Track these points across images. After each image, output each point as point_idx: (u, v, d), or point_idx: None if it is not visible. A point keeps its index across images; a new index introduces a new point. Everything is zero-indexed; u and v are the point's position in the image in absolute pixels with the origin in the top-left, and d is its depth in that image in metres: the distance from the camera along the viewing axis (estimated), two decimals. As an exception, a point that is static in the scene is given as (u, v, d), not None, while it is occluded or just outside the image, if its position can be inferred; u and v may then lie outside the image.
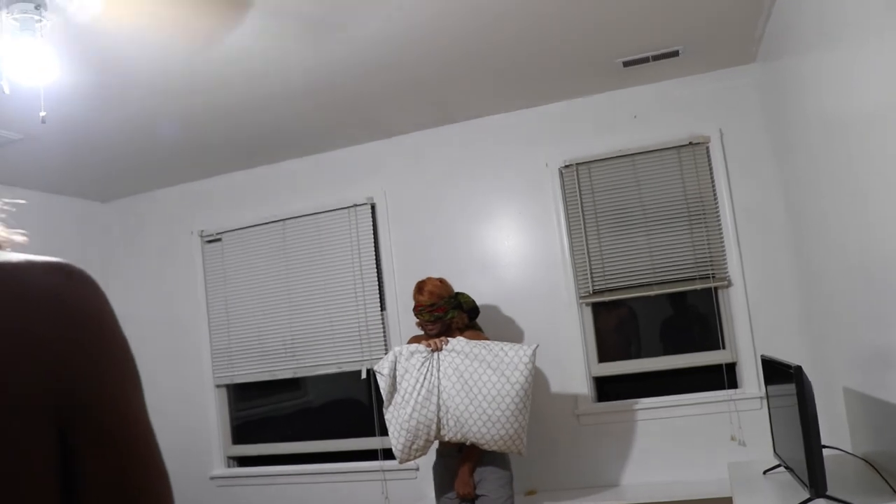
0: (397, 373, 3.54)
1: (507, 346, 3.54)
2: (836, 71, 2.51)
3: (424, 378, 3.49)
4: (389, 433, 3.54)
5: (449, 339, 3.60)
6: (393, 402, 3.53)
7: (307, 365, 4.77)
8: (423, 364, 3.52)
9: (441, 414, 3.45)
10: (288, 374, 4.80)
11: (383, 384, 3.55)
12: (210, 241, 5.08)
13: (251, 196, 5.02)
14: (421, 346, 3.58)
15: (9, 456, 0.66)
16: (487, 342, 3.58)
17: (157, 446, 0.78)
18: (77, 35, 2.80)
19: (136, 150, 4.35)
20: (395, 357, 3.57)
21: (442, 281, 3.78)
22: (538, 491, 4.20)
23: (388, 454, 4.60)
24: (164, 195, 5.24)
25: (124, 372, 0.76)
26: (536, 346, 3.55)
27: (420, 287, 3.74)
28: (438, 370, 3.51)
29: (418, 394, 3.46)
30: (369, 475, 4.60)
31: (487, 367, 3.45)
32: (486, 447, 3.45)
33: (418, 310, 3.70)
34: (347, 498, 4.61)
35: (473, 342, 3.57)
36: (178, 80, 3.42)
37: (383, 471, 4.54)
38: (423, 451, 3.53)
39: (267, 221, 4.94)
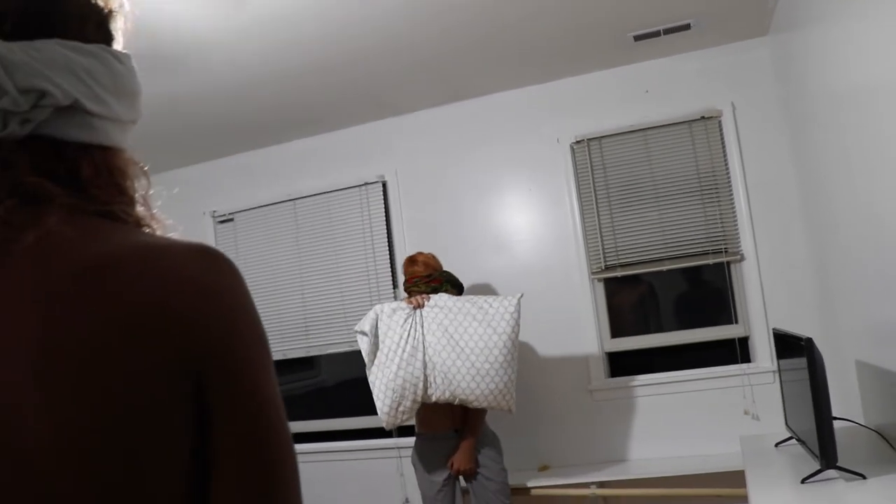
0: (379, 331, 3.46)
1: (490, 298, 3.51)
2: (850, 42, 2.49)
3: (408, 334, 3.40)
4: (374, 395, 3.42)
5: (431, 295, 3.55)
6: (376, 362, 3.44)
7: (320, 344, 4.80)
8: (405, 321, 3.43)
9: (428, 371, 3.35)
10: (300, 353, 4.84)
11: (365, 345, 3.46)
12: (222, 222, 5.10)
13: (263, 176, 5.03)
14: (403, 304, 3.53)
15: (151, 419, 0.70)
16: (470, 296, 3.55)
17: (285, 421, 0.81)
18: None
19: (146, 130, 4.36)
20: (377, 315, 3.50)
21: (433, 255, 3.78)
22: (551, 466, 4.23)
23: (402, 431, 4.64)
24: (175, 176, 5.26)
25: (256, 349, 0.79)
26: (521, 296, 3.52)
27: (412, 259, 3.72)
28: (422, 326, 3.43)
29: (403, 350, 3.37)
30: (384, 452, 4.63)
31: (473, 320, 3.40)
32: (475, 404, 3.37)
33: (413, 281, 3.65)
34: (363, 475, 4.66)
35: (456, 297, 3.54)
36: (190, 58, 3.42)
37: (398, 447, 4.58)
38: (411, 413, 3.42)
39: (279, 201, 4.95)
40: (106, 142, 0.82)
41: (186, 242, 0.78)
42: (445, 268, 3.83)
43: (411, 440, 4.52)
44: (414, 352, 3.37)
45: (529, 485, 3.95)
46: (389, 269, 4.65)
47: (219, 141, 4.80)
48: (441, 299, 3.52)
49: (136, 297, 0.71)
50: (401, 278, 4.57)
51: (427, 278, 3.64)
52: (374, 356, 3.46)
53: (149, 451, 0.70)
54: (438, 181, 4.61)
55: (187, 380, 0.73)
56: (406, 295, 3.69)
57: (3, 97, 0.73)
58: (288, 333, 4.87)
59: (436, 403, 3.47)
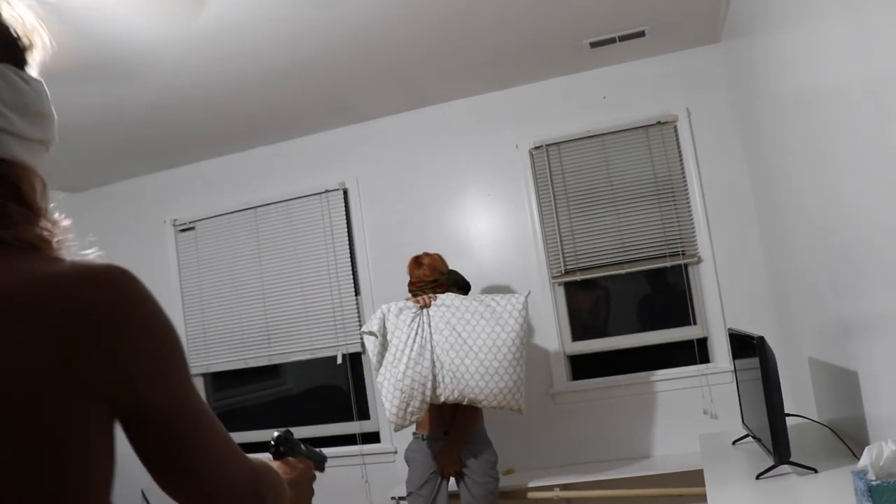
0: (387, 330, 3.42)
1: (497, 296, 3.50)
2: (798, 48, 2.56)
3: (416, 334, 3.37)
4: (382, 397, 3.39)
5: (437, 294, 3.54)
6: (384, 363, 3.40)
7: (282, 352, 4.78)
8: (412, 320, 3.41)
9: (436, 371, 3.33)
10: (263, 362, 4.81)
11: (371, 345, 3.43)
12: (183, 230, 5.06)
13: (224, 184, 5.00)
14: (409, 303, 3.51)
15: (69, 441, 0.75)
16: (477, 295, 3.55)
17: (213, 427, 0.88)
18: (44, 15, 2.77)
19: (105, 138, 4.32)
20: (384, 315, 3.46)
21: (439, 255, 3.73)
22: (516, 470, 4.25)
23: (366, 438, 4.63)
24: (135, 184, 5.21)
25: (164, 366, 0.83)
26: (528, 293, 3.54)
27: (418, 262, 3.66)
28: (430, 325, 3.41)
29: (411, 350, 3.34)
30: (349, 460, 4.62)
31: (481, 318, 3.39)
32: (484, 403, 3.36)
33: (418, 286, 3.60)
34: (328, 483, 4.61)
35: (462, 296, 3.53)
36: (147, 66, 3.40)
37: (362, 455, 4.57)
38: (419, 414, 3.38)
39: (240, 209, 4.93)
40: (5, 155, 0.82)
41: (78, 267, 0.79)
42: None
43: (375, 447, 4.56)
44: (422, 351, 3.35)
45: (494, 489, 3.98)
46: (351, 276, 4.65)
47: (178, 149, 4.77)
48: (448, 298, 3.51)
49: (27, 338, 0.72)
50: (363, 285, 4.59)
51: (433, 283, 3.59)
52: (382, 357, 3.41)
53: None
54: (399, 187, 4.63)
55: (104, 404, 0.77)
56: (410, 295, 3.65)
57: None
58: (250, 342, 4.84)
59: (431, 405, 3.47)
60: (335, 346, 4.64)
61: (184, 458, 0.84)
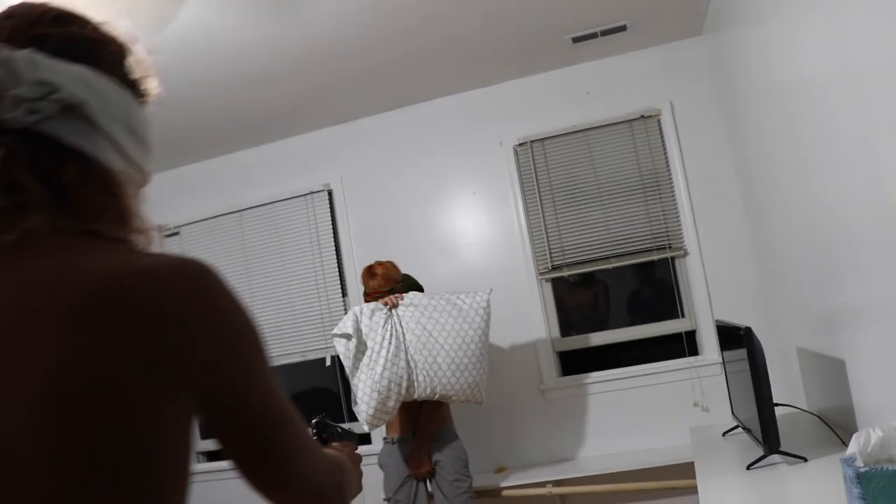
0: (361, 332, 3.47)
1: (462, 294, 3.61)
2: (778, 40, 2.56)
3: (391, 335, 3.44)
4: (357, 398, 3.44)
5: (403, 294, 3.60)
6: (359, 366, 3.44)
7: (271, 356, 4.73)
8: (386, 321, 3.48)
9: (411, 370, 3.42)
10: (253, 365, 4.77)
11: (343, 348, 3.46)
12: (168, 236, 5.02)
13: (208, 188, 4.97)
14: (379, 304, 3.55)
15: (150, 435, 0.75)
16: (441, 293, 3.61)
17: (298, 424, 0.89)
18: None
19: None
20: (357, 316, 3.50)
21: (391, 263, 3.77)
22: (508, 467, 4.24)
23: (359, 440, 4.61)
24: (118, 191, 5.16)
25: (249, 359, 0.85)
26: (490, 291, 3.63)
27: (371, 272, 3.69)
28: (402, 325, 3.49)
29: (387, 351, 3.41)
30: (340, 461, 4.59)
31: (448, 316, 3.50)
32: (454, 398, 3.48)
33: (374, 296, 3.65)
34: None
35: (428, 295, 3.61)
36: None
37: (354, 456, 4.54)
38: (392, 413, 3.46)
39: (225, 213, 4.89)
40: (105, 160, 0.87)
41: (163, 260, 0.81)
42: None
43: (365, 448, 4.52)
44: (397, 352, 3.42)
45: (487, 486, 3.96)
46: (338, 278, 4.63)
47: (160, 154, 4.66)
48: (415, 298, 3.58)
49: (112, 329, 0.74)
50: (350, 286, 4.57)
51: (388, 292, 3.64)
52: (358, 359, 3.45)
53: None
54: (384, 187, 4.61)
55: (188, 396, 0.78)
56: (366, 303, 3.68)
57: (20, 86, 0.80)
58: (238, 346, 4.80)
59: (400, 407, 3.53)
60: (324, 349, 4.61)
61: (272, 455, 0.86)
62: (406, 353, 3.44)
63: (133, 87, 0.95)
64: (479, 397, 3.54)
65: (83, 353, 0.72)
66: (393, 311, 3.54)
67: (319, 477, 0.94)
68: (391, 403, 3.41)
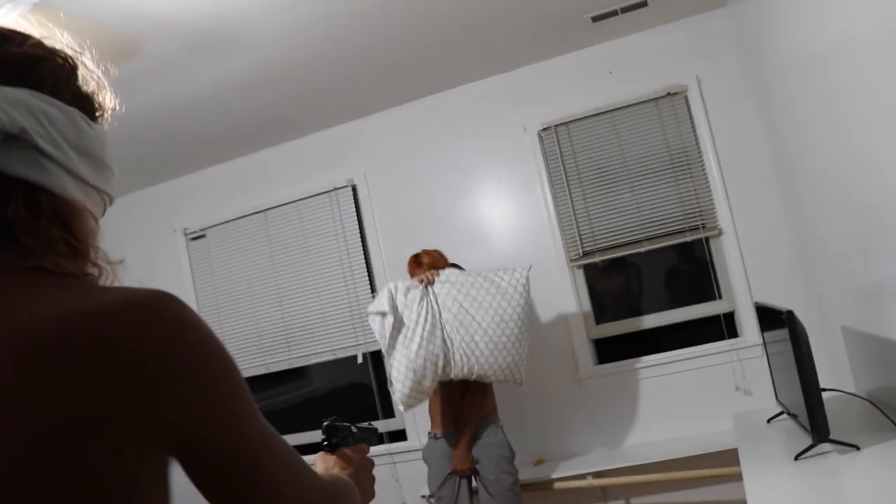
0: (398, 308, 3.40)
1: (500, 271, 3.50)
2: (810, 5, 2.43)
3: (426, 312, 3.36)
4: (393, 377, 3.36)
5: (439, 271, 3.52)
6: (395, 344, 3.37)
7: (302, 355, 4.71)
8: (421, 299, 3.39)
9: (447, 348, 3.33)
10: (284, 366, 4.75)
11: (380, 325, 3.38)
12: (194, 238, 5.00)
13: (231, 189, 4.93)
14: (414, 282, 3.48)
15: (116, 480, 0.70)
16: (479, 271, 3.53)
17: (282, 459, 0.84)
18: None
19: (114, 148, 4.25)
20: (392, 293, 3.43)
21: (439, 252, 3.70)
22: (546, 460, 4.16)
23: (393, 437, 4.57)
24: (144, 195, 5.15)
25: (219, 398, 0.78)
26: (530, 268, 3.54)
27: (418, 261, 3.62)
28: (437, 303, 3.40)
29: (423, 329, 3.32)
30: (377, 459, 4.53)
31: (486, 293, 3.39)
32: (491, 378, 3.38)
33: None
34: (357, 483, 4.57)
35: (464, 272, 3.52)
36: (144, 75, 3.32)
37: (391, 453, 4.50)
38: (428, 393, 3.39)
39: (249, 213, 4.86)
40: (57, 188, 0.81)
41: (120, 296, 0.74)
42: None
43: (403, 444, 4.49)
44: (433, 329, 3.34)
45: (526, 480, 3.88)
46: (366, 274, 4.57)
47: (183, 157, 4.71)
48: (452, 274, 3.49)
49: (64, 376, 0.68)
50: (378, 282, 4.51)
51: None
52: (395, 337, 3.38)
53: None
54: (408, 180, 4.53)
55: (157, 437, 0.72)
56: None
57: None
58: (269, 347, 4.78)
59: (440, 399, 3.52)
60: (354, 346, 4.57)
61: (252, 492, 0.80)
62: (442, 331, 3.35)
63: (85, 102, 0.89)
64: (518, 377, 3.42)
65: (35, 409, 0.66)
66: (429, 288, 3.44)
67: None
68: (427, 383, 3.33)
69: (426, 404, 3.65)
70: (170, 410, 0.72)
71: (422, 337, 3.31)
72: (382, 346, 3.43)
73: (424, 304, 3.38)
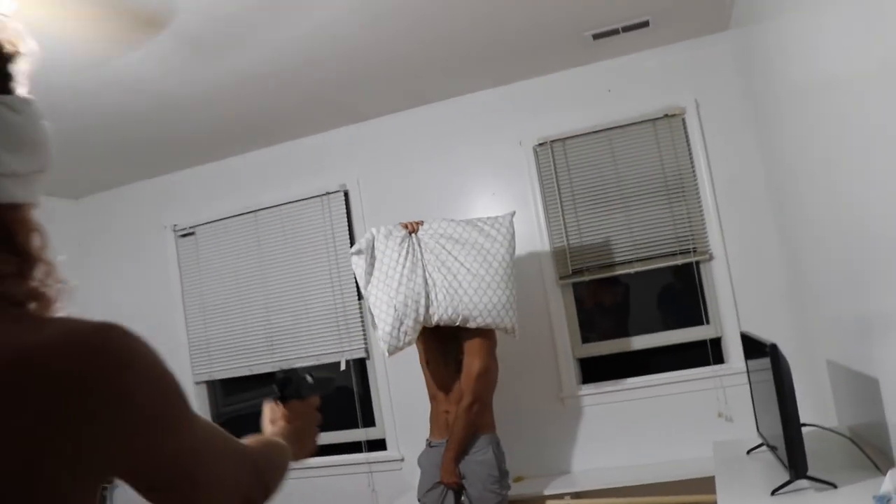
0: (376, 250, 3.43)
1: (483, 217, 3.54)
2: (811, 33, 2.41)
3: (407, 252, 3.38)
4: (375, 317, 3.37)
5: (423, 221, 3.55)
6: (373, 281, 3.39)
7: (286, 358, 4.67)
8: (402, 241, 3.42)
9: (429, 288, 3.33)
10: (266, 369, 4.70)
11: (360, 263, 3.42)
12: (183, 236, 4.96)
13: (223, 188, 4.90)
14: (398, 226, 3.51)
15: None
16: (462, 219, 3.56)
17: (217, 458, 0.86)
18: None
19: (102, 143, 4.22)
20: (373, 236, 3.46)
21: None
22: (525, 478, 4.12)
23: (372, 446, 4.52)
24: (134, 190, 5.12)
25: (164, 429, 0.77)
26: (514, 213, 3.58)
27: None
28: (420, 245, 3.42)
29: (403, 267, 3.34)
30: (355, 468, 4.52)
31: (469, 235, 3.42)
32: (479, 321, 3.33)
33: None
34: (335, 491, 4.53)
35: (448, 220, 3.53)
36: (142, 73, 3.29)
37: (368, 463, 4.47)
38: (412, 336, 3.36)
39: (240, 213, 4.82)
40: (1, 199, 0.75)
41: (64, 331, 0.71)
42: None
43: (381, 454, 4.45)
44: (413, 268, 3.35)
45: (503, 497, 3.84)
46: (354, 281, 4.52)
47: (176, 153, 4.67)
48: (434, 222, 3.52)
49: (6, 416, 0.65)
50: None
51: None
52: (370, 276, 3.41)
53: None
54: (401, 188, 4.50)
55: (98, 470, 0.72)
56: None
57: None
58: (253, 349, 4.74)
59: (438, 407, 3.51)
60: (339, 353, 4.53)
61: (197, 497, 0.83)
62: (423, 271, 3.36)
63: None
64: (508, 323, 3.37)
65: None
66: (412, 235, 3.48)
67: (243, 488, 0.91)
68: (409, 322, 3.31)
69: (412, 416, 3.64)
70: (112, 447, 0.70)
71: (402, 275, 3.33)
72: (362, 287, 3.47)
73: (406, 246, 3.41)
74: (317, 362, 4.59)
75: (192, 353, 4.89)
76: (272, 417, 1.24)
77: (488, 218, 3.54)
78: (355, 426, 4.57)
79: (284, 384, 1.27)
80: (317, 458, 4.53)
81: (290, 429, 1.20)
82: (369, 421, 4.58)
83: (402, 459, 4.34)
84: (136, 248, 5.08)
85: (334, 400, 4.76)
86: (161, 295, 4.99)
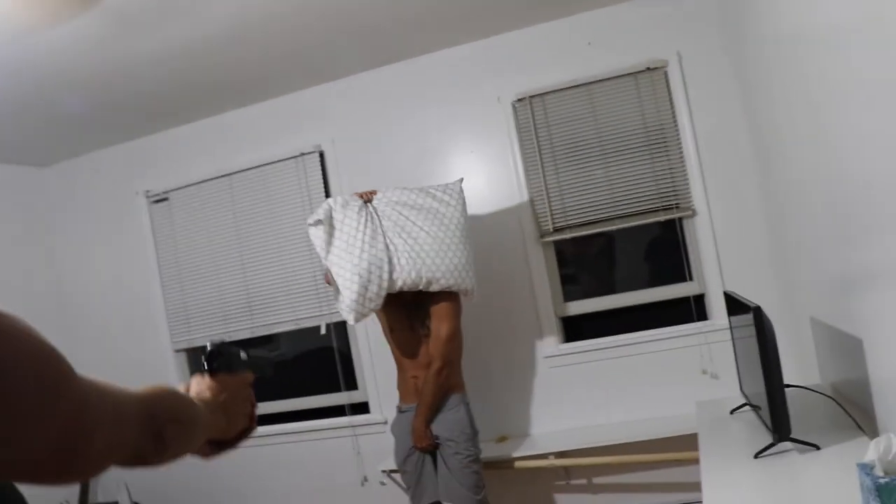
0: (335, 220, 3.43)
1: (433, 186, 3.59)
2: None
3: (366, 220, 3.40)
4: (339, 285, 3.36)
5: (376, 190, 3.57)
6: (333, 249, 3.39)
7: (265, 323, 4.60)
8: (360, 210, 3.43)
9: (391, 254, 3.34)
10: (246, 335, 4.64)
11: (319, 234, 3.41)
12: (157, 201, 4.85)
13: (196, 151, 4.77)
14: (354, 196, 3.52)
15: None
16: (414, 188, 3.57)
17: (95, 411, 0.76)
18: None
19: (68, 107, 4.07)
20: (330, 207, 3.46)
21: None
22: (509, 437, 4.11)
23: (355, 409, 4.49)
24: (105, 155, 4.98)
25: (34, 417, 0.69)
26: (462, 180, 3.64)
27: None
28: (377, 213, 3.44)
29: (363, 234, 3.35)
30: (339, 431, 4.49)
31: (424, 201, 3.46)
32: (441, 283, 3.36)
33: None
34: (320, 455, 4.51)
35: (401, 189, 3.54)
36: (105, 27, 3.15)
37: (352, 426, 4.44)
38: (377, 302, 3.35)
39: (214, 177, 4.70)
40: None
41: None
42: None
43: (366, 417, 4.42)
44: (374, 235, 3.37)
45: (489, 458, 3.81)
46: (332, 243, 4.44)
47: (145, 117, 4.53)
48: (388, 190, 3.53)
49: None
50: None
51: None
52: (331, 246, 3.41)
53: None
54: (377, 147, 4.40)
55: None
56: None
57: None
58: (232, 314, 4.67)
59: (405, 373, 3.50)
60: (318, 316, 4.47)
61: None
62: (384, 237, 3.37)
63: None
64: (468, 284, 3.43)
65: None
66: (368, 204, 3.48)
67: (127, 437, 0.82)
68: (374, 288, 3.31)
69: (394, 379, 3.61)
70: None
71: (363, 242, 3.34)
72: (323, 257, 3.45)
73: (364, 214, 3.41)
74: (296, 326, 4.53)
75: (170, 320, 4.81)
76: (199, 391, 1.15)
77: (439, 185, 3.57)
78: (338, 390, 4.53)
79: (213, 356, 1.19)
80: (302, 422, 4.55)
81: (214, 401, 1.11)
82: (352, 385, 4.54)
83: (386, 422, 4.30)
84: (109, 216, 4.96)
85: (318, 362, 4.72)
86: (136, 263, 4.89)
